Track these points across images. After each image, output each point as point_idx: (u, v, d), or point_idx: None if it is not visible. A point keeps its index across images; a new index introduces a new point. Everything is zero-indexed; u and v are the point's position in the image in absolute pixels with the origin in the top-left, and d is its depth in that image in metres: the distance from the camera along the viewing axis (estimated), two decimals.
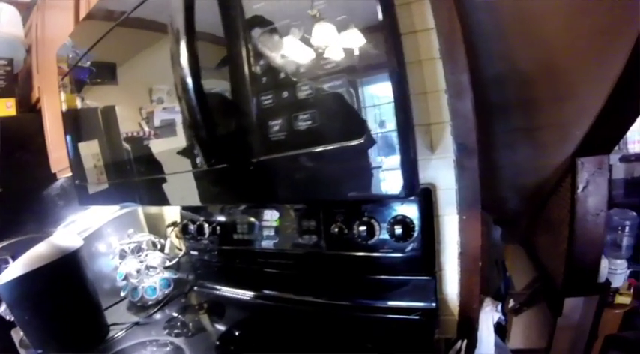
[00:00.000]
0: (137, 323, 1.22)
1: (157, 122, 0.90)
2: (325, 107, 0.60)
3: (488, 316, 1.00)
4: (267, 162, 0.67)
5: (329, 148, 0.60)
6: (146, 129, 0.94)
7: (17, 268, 1.03)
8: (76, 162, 1.21)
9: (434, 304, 0.92)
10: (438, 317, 0.93)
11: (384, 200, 0.88)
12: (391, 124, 0.56)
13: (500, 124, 1.19)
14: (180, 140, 0.83)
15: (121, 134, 1.01)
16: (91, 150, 1.14)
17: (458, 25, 0.79)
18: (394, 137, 0.56)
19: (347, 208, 0.93)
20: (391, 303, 0.95)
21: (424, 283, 0.91)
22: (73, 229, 1.42)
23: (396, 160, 0.57)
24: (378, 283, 0.95)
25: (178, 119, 0.82)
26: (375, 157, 0.57)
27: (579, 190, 1.23)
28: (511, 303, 1.62)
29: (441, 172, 0.86)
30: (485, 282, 0.97)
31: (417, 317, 0.91)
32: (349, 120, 0.59)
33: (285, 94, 0.63)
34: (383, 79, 0.56)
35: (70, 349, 1.13)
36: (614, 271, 1.96)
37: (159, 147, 0.91)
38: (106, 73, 1.06)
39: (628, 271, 2.01)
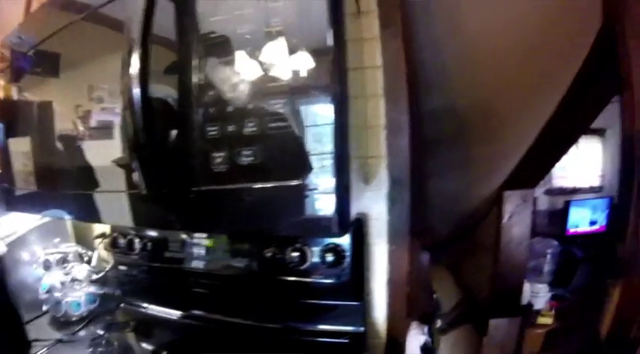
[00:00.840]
0: (60, 341, 1.16)
1: (93, 122, 0.86)
2: (268, 145, 0.62)
3: (415, 339, 1.04)
4: (207, 192, 0.67)
5: (268, 185, 0.61)
6: (81, 128, 0.88)
7: None
8: (3, 160, 1.12)
9: (362, 329, 0.94)
10: (367, 341, 0.96)
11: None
12: (328, 155, 0.59)
13: (435, 156, 1.25)
14: (116, 147, 0.79)
15: (55, 132, 0.95)
16: (21, 148, 1.05)
17: (403, 66, 0.84)
18: (330, 167, 0.59)
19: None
20: (321, 327, 0.96)
21: (353, 308, 0.93)
22: None
23: (330, 198, 0.59)
24: (308, 307, 0.96)
25: (117, 122, 0.79)
26: (311, 193, 0.60)
27: (505, 220, 1.32)
28: (438, 324, 1.68)
29: (374, 204, 0.90)
30: (412, 306, 1.01)
31: (345, 341, 0.93)
32: (290, 160, 0.61)
33: (230, 127, 0.64)
34: (325, 103, 0.59)
35: None
36: (537, 294, 2.10)
37: (93, 153, 0.86)
38: (48, 63, 0.98)
39: (549, 294, 2.17)
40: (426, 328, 1.10)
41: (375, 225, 0.90)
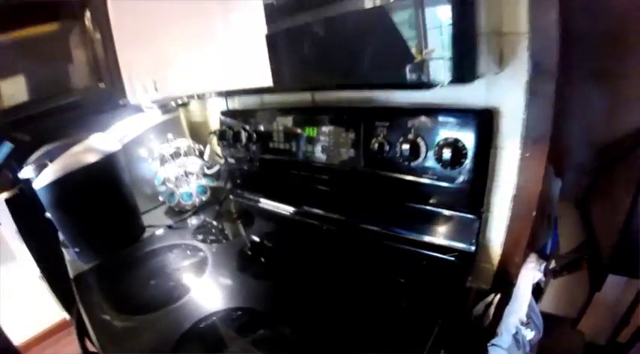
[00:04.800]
0: (170, 226, 1.24)
1: None
2: None
3: (530, 274, 0.90)
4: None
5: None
6: None
7: (54, 171, 1.03)
8: None
9: (473, 248, 0.82)
10: (475, 263, 0.85)
11: (435, 115, 0.77)
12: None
13: (580, 59, 1.02)
14: None
15: None
16: None
17: None
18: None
19: (391, 120, 0.83)
20: (426, 238, 0.87)
21: (467, 222, 0.82)
22: (113, 134, 1.42)
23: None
24: (415, 212, 0.87)
25: None
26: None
27: None
28: (552, 264, 1.53)
29: (509, 95, 0.72)
30: (535, 234, 0.87)
31: (452, 258, 0.83)
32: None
33: None
34: None
35: (104, 247, 1.17)
36: None
37: None
38: None
39: None
40: (543, 265, 0.96)
41: (507, 123, 0.74)
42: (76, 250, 1.18)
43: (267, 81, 0.77)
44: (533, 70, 0.68)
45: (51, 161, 1.00)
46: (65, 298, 1.71)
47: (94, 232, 1.17)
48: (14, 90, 1.59)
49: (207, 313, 0.79)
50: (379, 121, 0.84)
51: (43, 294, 1.79)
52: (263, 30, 0.74)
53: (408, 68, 0.56)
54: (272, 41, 0.74)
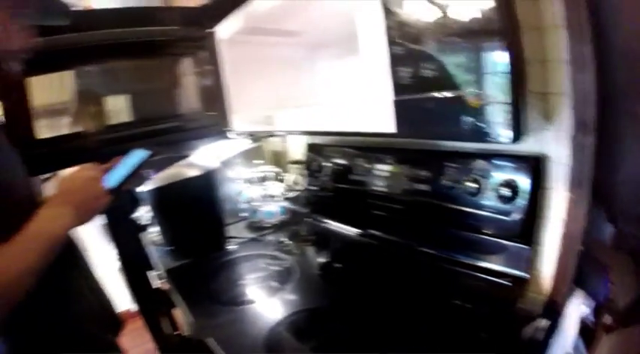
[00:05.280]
0: (254, 239, 1.44)
1: None
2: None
3: (576, 307, 0.99)
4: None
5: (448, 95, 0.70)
6: None
7: (162, 179, 1.27)
8: None
9: (525, 275, 0.93)
10: (527, 290, 0.94)
11: (495, 159, 0.92)
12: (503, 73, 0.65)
13: (627, 106, 1.11)
14: None
15: None
16: None
17: None
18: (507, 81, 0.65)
19: (458, 162, 0.98)
20: (482, 263, 0.98)
21: (520, 252, 0.92)
22: (210, 154, 1.66)
23: (504, 108, 0.66)
24: (474, 240, 0.98)
25: None
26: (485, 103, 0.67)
27: None
28: (607, 318, 1.52)
29: (555, 145, 0.86)
30: (580, 273, 0.96)
31: (507, 283, 0.93)
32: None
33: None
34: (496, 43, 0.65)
35: (195, 249, 1.39)
36: None
37: None
38: None
39: None
40: (590, 302, 1.04)
41: (555, 168, 0.87)
42: (170, 248, 1.41)
43: (389, 128, 0.84)
44: (574, 126, 0.81)
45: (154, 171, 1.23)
46: (138, 290, 1.89)
47: (188, 236, 1.40)
48: (120, 107, 1.77)
49: (284, 315, 0.97)
50: (448, 162, 1.00)
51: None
52: (384, 78, 0.82)
53: (470, 127, 0.70)
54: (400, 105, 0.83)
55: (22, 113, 1.45)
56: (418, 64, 0.73)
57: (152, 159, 0.96)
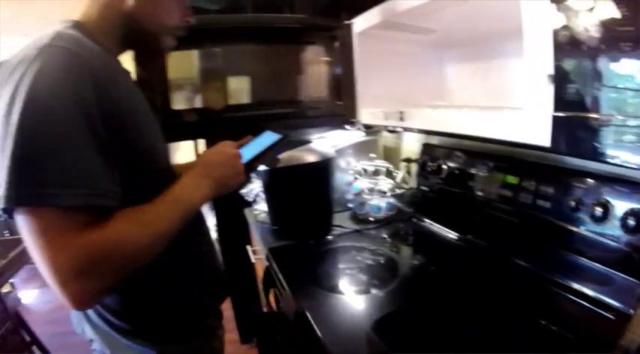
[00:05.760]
0: (358, 231, 1.46)
1: None
2: None
3: None
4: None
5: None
6: None
7: (281, 161, 1.31)
8: None
9: (631, 311, 0.83)
10: (626, 329, 0.84)
11: (628, 186, 0.84)
12: None
13: None
14: None
15: None
16: None
17: None
18: None
19: (585, 183, 0.92)
20: (587, 290, 0.90)
21: (631, 286, 0.85)
22: (326, 141, 1.71)
23: None
24: (582, 265, 0.93)
25: None
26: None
27: None
28: None
29: None
30: None
31: (608, 315, 0.85)
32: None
33: None
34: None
35: (300, 233, 1.45)
36: None
37: None
38: None
39: None
40: None
41: None
42: (275, 227, 1.48)
43: (540, 141, 0.80)
44: None
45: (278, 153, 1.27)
46: (232, 262, 2.03)
47: (295, 219, 1.46)
48: (242, 88, 1.91)
49: (375, 311, 0.97)
50: (576, 182, 0.94)
51: None
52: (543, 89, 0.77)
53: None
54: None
55: (161, 85, 1.62)
56: (586, 81, 0.67)
57: (282, 142, 1.00)
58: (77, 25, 0.76)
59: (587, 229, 0.91)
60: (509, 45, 1.17)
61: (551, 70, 0.72)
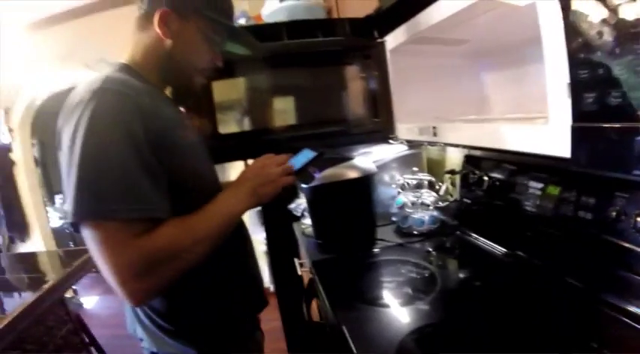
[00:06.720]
0: (401, 245, 1.47)
1: None
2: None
3: None
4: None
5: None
6: None
7: (325, 177, 1.37)
8: None
9: None
10: None
11: None
12: None
13: None
14: None
15: None
16: None
17: None
18: None
19: (631, 193, 0.85)
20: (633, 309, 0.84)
21: None
22: (368, 157, 1.73)
23: None
24: (633, 282, 0.85)
25: None
26: None
27: None
28: None
29: None
30: None
31: None
32: None
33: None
34: None
35: (344, 246, 1.48)
36: None
37: None
38: None
39: None
40: None
41: None
42: (319, 241, 1.52)
43: (560, 152, 0.79)
44: None
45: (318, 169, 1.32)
46: (280, 274, 2.12)
47: (339, 233, 1.50)
48: (287, 109, 1.98)
49: (416, 325, 0.95)
50: (619, 192, 0.88)
51: None
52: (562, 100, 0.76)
53: None
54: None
55: (208, 111, 1.73)
56: (604, 90, 0.66)
57: (319, 159, 1.06)
58: (123, 67, 0.91)
59: (635, 242, 0.84)
60: None
61: (567, 79, 0.71)
